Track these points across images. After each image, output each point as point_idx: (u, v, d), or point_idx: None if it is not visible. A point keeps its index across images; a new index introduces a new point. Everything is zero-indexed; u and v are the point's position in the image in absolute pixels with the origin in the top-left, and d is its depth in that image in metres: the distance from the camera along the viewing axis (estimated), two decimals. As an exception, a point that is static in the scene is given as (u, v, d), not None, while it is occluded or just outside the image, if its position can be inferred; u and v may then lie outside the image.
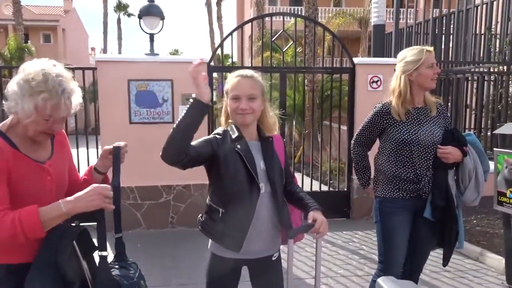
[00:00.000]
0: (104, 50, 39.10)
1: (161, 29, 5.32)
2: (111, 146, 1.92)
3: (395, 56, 2.83)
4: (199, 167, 5.25)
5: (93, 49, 47.12)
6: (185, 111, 1.81)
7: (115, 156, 1.90)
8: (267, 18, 5.96)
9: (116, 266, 1.80)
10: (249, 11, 27.84)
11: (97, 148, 5.52)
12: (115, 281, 1.68)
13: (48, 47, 32.07)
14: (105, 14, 37.37)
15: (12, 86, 1.55)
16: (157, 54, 5.24)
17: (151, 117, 5.25)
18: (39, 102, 1.52)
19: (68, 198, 1.54)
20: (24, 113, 1.54)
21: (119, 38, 42.41)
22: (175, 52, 45.33)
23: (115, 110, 5.17)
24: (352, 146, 2.77)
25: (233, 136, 1.94)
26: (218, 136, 1.98)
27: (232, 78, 1.97)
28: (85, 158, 5.50)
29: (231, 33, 5.39)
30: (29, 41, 27.34)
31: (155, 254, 4.59)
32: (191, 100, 1.82)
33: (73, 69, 5.73)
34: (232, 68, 5.62)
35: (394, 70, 2.58)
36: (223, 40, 5.40)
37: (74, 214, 1.54)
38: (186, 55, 5.71)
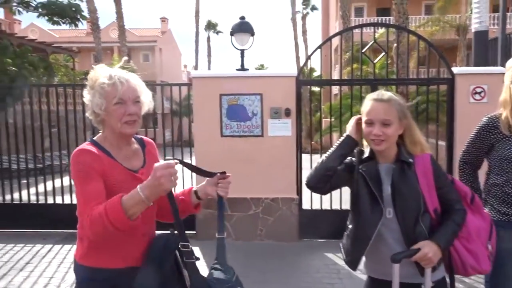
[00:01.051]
0: (196, 67, 41.43)
1: (251, 45, 5.46)
2: (217, 173, 1.93)
3: (501, 65, 2.56)
4: (285, 180, 5.21)
5: (185, 66, 50.32)
6: (336, 145, 1.94)
7: (220, 205, 1.90)
8: (356, 30, 5.83)
9: (216, 267, 1.82)
10: (335, 24, 27.55)
11: (190, 159, 5.79)
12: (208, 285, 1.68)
13: (146, 66, 34.96)
14: (197, 33, 39.63)
15: (85, 95, 1.69)
16: (247, 69, 5.39)
17: (241, 130, 5.39)
18: (104, 90, 1.61)
19: (143, 184, 1.51)
20: (98, 107, 1.63)
21: (209, 55, 44.77)
22: (261, 67, 46.46)
23: (207, 123, 5.40)
24: (459, 165, 2.53)
25: (364, 157, 1.95)
26: (354, 159, 2.00)
27: (367, 101, 1.91)
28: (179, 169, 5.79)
29: (319, 46, 5.36)
30: (131, 61, 29.96)
31: (244, 266, 4.64)
32: (344, 136, 1.94)
33: (170, 85, 6.15)
34: (321, 81, 5.57)
35: (503, 81, 2.32)
36: (311, 53, 5.39)
37: (152, 200, 1.50)
38: (275, 69, 5.81)
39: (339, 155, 1.91)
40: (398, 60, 7.76)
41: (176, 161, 1.54)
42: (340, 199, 5.52)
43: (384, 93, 1.89)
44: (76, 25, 17.43)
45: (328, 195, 5.60)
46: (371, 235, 1.84)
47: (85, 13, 17.66)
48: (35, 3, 15.63)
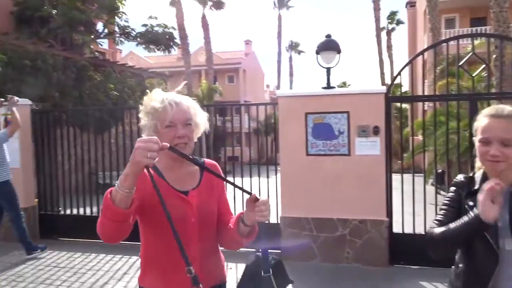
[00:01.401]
0: (278, 87, 42.10)
1: (338, 63, 5.38)
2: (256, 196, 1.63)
3: None
4: (374, 201, 4.93)
5: (267, 86, 51.41)
6: (463, 220, 1.61)
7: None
8: (451, 42, 5.45)
9: None
10: (423, 38, 26.22)
11: (272, 176, 5.81)
12: None
13: (231, 87, 36.42)
14: (279, 54, 40.43)
15: (141, 118, 1.72)
16: (334, 87, 5.31)
17: (327, 149, 5.28)
18: (156, 113, 1.64)
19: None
20: (151, 130, 1.66)
21: (291, 74, 45.36)
22: (343, 84, 45.81)
23: (293, 142, 5.39)
24: None
25: (473, 188, 1.70)
26: (460, 191, 1.75)
27: (482, 117, 1.70)
28: (257, 186, 5.87)
29: (411, 61, 5.13)
30: (216, 82, 31.42)
31: (331, 290, 4.48)
32: (473, 214, 1.56)
33: (256, 105, 6.29)
34: (413, 97, 5.28)
35: None
36: (402, 68, 5.14)
37: (131, 178, 1.37)
38: (361, 86, 5.62)
39: (465, 236, 1.63)
40: (500, 72, 7.11)
41: (166, 144, 1.41)
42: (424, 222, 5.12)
43: (503, 108, 1.68)
44: (169, 51, 18.85)
45: (421, 217, 5.27)
46: (490, 276, 1.60)
47: (177, 39, 19.07)
48: (134, 33, 17.22)
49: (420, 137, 8.99)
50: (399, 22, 38.04)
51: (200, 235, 1.67)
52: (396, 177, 5.41)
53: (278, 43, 40.48)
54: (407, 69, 5.18)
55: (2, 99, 5.58)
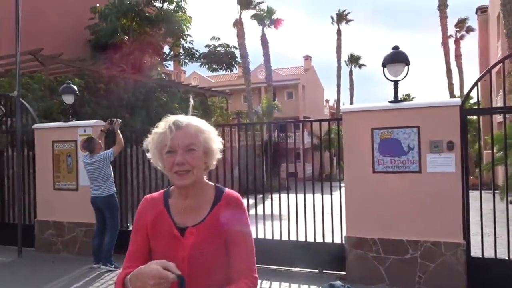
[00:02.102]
0: (337, 101, 41.44)
1: (406, 75, 5.14)
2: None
3: None
4: (448, 222, 4.59)
5: (327, 101, 50.80)
6: None
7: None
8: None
9: None
10: (496, 44, 24.60)
11: (337, 194, 5.63)
12: None
13: (290, 103, 36.47)
14: (338, 68, 39.85)
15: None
16: (402, 101, 5.07)
17: (396, 166, 5.02)
18: (158, 137, 1.49)
19: (134, 275, 1.36)
20: (155, 157, 1.53)
21: (351, 88, 44.43)
22: (407, 97, 44.06)
23: (358, 159, 5.20)
24: None
25: None
26: None
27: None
28: (320, 203, 5.72)
29: (490, 70, 4.75)
30: (276, 99, 31.63)
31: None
32: None
33: (320, 121, 6.18)
34: (491, 109, 4.90)
35: None
36: (479, 77, 4.78)
37: None
38: (433, 99, 5.25)
39: None
40: None
41: (174, 276, 1.29)
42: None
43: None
44: (231, 70, 19.37)
45: (505, 241, 4.79)
46: None
47: (238, 58, 19.55)
48: (198, 54, 17.91)
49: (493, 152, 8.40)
50: (469, 30, 36.05)
51: (190, 279, 1.42)
52: (471, 194, 5.01)
53: (338, 58, 39.89)
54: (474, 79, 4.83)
55: (108, 121, 6.32)
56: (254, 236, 6.06)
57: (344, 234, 5.37)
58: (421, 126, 4.91)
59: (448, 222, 4.81)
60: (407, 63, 5.07)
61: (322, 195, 5.76)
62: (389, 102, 5.15)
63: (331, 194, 5.74)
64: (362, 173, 5.18)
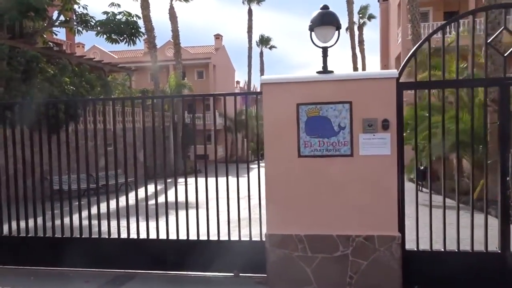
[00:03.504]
0: (248, 83, 41.03)
1: (337, 41, 4.35)
2: None
3: None
4: (383, 213, 3.74)
5: (238, 82, 50.20)
6: None
7: None
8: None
9: None
10: (396, 31, 25.85)
11: (248, 176, 4.73)
12: None
13: (200, 83, 35.00)
14: (249, 49, 39.28)
15: None
16: (332, 72, 4.26)
17: (325, 148, 4.24)
18: None
19: None
20: None
21: (261, 70, 44.24)
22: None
23: (281, 140, 4.31)
24: None
25: None
26: None
27: None
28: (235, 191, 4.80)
29: (424, 42, 4.14)
30: (185, 78, 29.99)
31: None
32: None
33: (234, 95, 5.16)
34: (430, 83, 4.31)
35: None
36: (415, 48, 4.14)
37: None
38: (368, 71, 4.68)
39: None
40: None
41: None
42: (457, 238, 4.19)
43: None
44: (134, 43, 17.30)
45: (440, 231, 4.31)
46: None
47: (142, 29, 17.56)
48: (93, 21, 15.66)
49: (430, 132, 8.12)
50: (370, 17, 37.78)
51: None
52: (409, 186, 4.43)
53: (249, 38, 39.26)
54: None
55: None
56: (155, 235, 4.92)
57: (264, 231, 4.49)
58: (354, 102, 4.16)
59: (382, 212, 4.17)
60: (338, 26, 4.26)
61: (238, 184, 4.79)
62: (317, 72, 4.32)
63: (249, 183, 4.81)
64: (286, 158, 4.32)
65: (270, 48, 45.80)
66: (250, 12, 38.65)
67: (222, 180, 4.80)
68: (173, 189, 5.07)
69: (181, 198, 4.94)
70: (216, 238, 4.84)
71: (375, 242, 4.18)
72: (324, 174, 4.25)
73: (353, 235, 4.21)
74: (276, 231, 4.36)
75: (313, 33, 4.30)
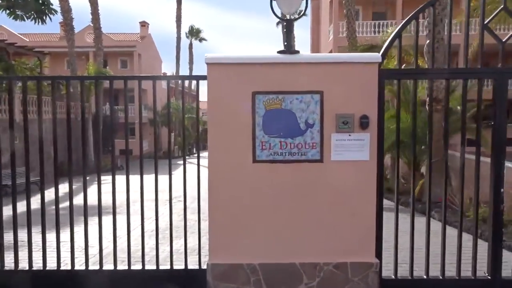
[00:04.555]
0: (176, 74, 39.13)
1: (304, 11, 3.39)
2: None
3: None
4: (357, 234, 2.54)
5: (164, 74, 47.88)
6: None
7: None
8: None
9: None
10: (328, 28, 25.96)
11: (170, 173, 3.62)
12: None
13: (124, 73, 32.44)
14: (178, 39, 37.48)
15: None
16: (298, 52, 3.28)
17: (287, 152, 3.26)
18: None
19: None
20: None
21: (190, 62, 42.52)
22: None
23: (231, 140, 3.26)
24: None
25: None
26: None
27: None
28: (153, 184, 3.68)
29: (415, 16, 3.33)
30: (107, 67, 27.55)
31: None
32: None
33: (168, 79, 3.97)
34: (417, 71, 3.50)
35: None
36: (401, 27, 3.30)
37: None
38: (343, 53, 3.97)
39: None
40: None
41: None
42: (442, 263, 3.45)
43: None
44: (43, 21, 14.92)
45: (422, 256, 3.46)
46: None
47: (55, 6, 15.26)
48: (-8, -8, 13.19)
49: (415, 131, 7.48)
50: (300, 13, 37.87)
51: None
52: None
53: (178, 28, 37.35)
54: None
55: None
56: (27, 266, 3.39)
57: (205, 260, 3.40)
58: (326, 92, 3.22)
59: (357, 233, 3.30)
60: (305, -8, 3.29)
61: (170, 190, 3.64)
62: (278, 52, 3.31)
63: (156, 174, 3.69)
64: (236, 163, 3.27)
65: (200, 40, 44.26)
66: (179, 0, 36.77)
67: (148, 179, 3.65)
68: (93, 190, 3.75)
69: (94, 201, 3.67)
70: (139, 265, 3.65)
71: (347, 271, 3.30)
72: (286, 185, 3.27)
73: (320, 262, 3.29)
74: (221, 259, 3.30)
75: (274, 1, 3.28)
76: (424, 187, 9.34)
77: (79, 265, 3.78)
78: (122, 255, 4.20)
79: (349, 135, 3.25)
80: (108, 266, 3.75)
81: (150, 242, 5.69)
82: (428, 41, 9.09)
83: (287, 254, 3.28)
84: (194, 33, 43.56)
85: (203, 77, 3.35)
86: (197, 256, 3.57)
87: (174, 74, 40.92)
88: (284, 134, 3.25)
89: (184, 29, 40.31)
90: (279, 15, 3.42)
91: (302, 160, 3.25)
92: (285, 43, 3.30)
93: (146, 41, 36.15)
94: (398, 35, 3.31)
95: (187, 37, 43.21)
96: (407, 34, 3.49)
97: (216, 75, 3.23)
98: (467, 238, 3.65)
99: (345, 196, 3.27)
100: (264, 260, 3.28)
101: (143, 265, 3.64)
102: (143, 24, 37.26)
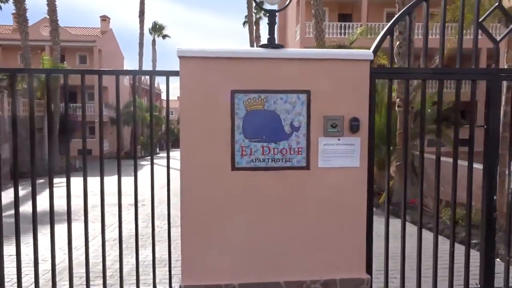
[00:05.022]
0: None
1: (287, 3, 3.06)
2: None
3: None
4: (347, 248, 2.16)
5: (127, 71, 46.20)
6: None
7: None
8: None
9: None
10: (295, 28, 25.89)
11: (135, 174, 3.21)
12: None
13: (83, 68, 31.01)
14: (141, 35, 36.39)
15: None
16: (281, 46, 2.94)
17: (271, 158, 2.91)
18: None
19: None
20: None
21: (154, 60, 41.40)
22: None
23: (206, 145, 2.87)
24: None
25: None
26: None
27: None
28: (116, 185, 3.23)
29: (407, 13, 3.07)
30: (65, 62, 26.20)
31: None
32: None
33: (134, 74, 3.52)
34: (411, 70, 3.24)
35: None
36: (394, 21, 3.03)
37: None
38: (333, 50, 3.57)
39: None
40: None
41: None
42: (433, 278, 3.23)
43: None
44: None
45: (412, 271, 3.12)
46: None
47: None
48: None
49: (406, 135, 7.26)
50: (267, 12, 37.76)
51: None
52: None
53: (140, 24, 36.22)
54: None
55: None
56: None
57: (176, 281, 3.00)
58: (313, 92, 2.91)
59: (347, 248, 3.01)
60: (290, -18, 2.96)
61: (136, 195, 3.21)
62: (260, 46, 2.96)
63: (119, 175, 3.26)
64: (213, 171, 2.89)
65: (163, 37, 43.19)
66: (142, -6, 35.64)
67: (109, 181, 3.22)
68: (47, 195, 3.25)
69: (46, 206, 3.18)
70: (99, 282, 3.20)
71: (336, 289, 3.00)
72: (269, 195, 2.92)
73: (307, 280, 2.97)
74: (196, 280, 2.91)
75: (256, -10, 2.93)
76: (394, 189, 9.32)
77: (28, 286, 3.28)
78: (80, 270, 3.73)
79: (338, 139, 2.94)
80: (62, 286, 3.27)
81: (112, 253, 5.22)
82: (398, 43, 9.09)
83: (270, 272, 2.94)
84: (158, 29, 42.46)
85: (174, 73, 2.95)
86: (167, 268, 3.16)
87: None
88: (267, 138, 2.90)
89: (148, 25, 39.24)
90: (263, 6, 3.05)
91: (287, 167, 2.92)
92: (269, 37, 2.95)
93: (107, 36, 34.75)
94: (390, 31, 3.04)
95: (150, 33, 42.10)
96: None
97: (190, 71, 2.83)
98: (442, 241, 3.47)
99: (333, 206, 2.96)
100: (245, 280, 2.92)
101: (104, 285, 3.19)
102: (104, 19, 35.80)
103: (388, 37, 3.05)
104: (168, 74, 3.09)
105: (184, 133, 2.86)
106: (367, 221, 3.03)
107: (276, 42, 2.94)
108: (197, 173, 2.88)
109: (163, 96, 37.82)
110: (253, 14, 32.11)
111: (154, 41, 42.03)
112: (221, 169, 2.87)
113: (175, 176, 2.92)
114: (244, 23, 35.63)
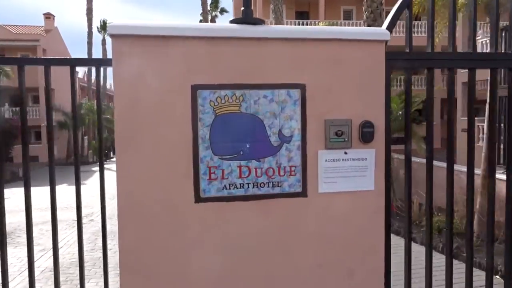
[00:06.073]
0: (88, 74, 35.98)
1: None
2: None
3: None
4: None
5: (76, 72, 43.69)
6: None
7: None
8: None
9: None
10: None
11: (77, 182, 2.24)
12: None
13: (26, 69, 28.58)
14: (89, 34, 34.40)
15: None
16: (262, 22, 2.05)
17: (252, 181, 2.01)
18: None
19: None
20: None
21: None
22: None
23: (156, 166, 1.93)
24: None
25: None
26: None
27: None
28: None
29: None
30: (3, 62, 23.97)
31: None
32: None
33: (72, 63, 2.50)
34: (435, 56, 2.42)
35: None
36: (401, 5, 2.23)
37: None
38: (332, 28, 2.74)
39: None
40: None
41: None
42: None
43: None
44: None
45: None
46: None
47: None
48: None
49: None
50: (223, 11, 36.95)
51: None
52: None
53: (89, 22, 34.14)
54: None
55: None
56: None
57: None
58: (309, 86, 2.04)
59: (359, 303, 2.17)
60: None
61: (79, 209, 2.32)
62: (232, 22, 2.06)
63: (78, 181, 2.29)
64: (167, 205, 1.95)
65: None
66: (89, -10, 33.61)
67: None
68: None
69: None
70: None
71: None
72: (251, 237, 2.02)
73: None
74: None
75: None
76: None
77: None
78: None
79: (345, 152, 2.10)
80: None
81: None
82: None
83: None
84: (107, 27, 40.42)
85: (106, 62, 1.97)
86: None
87: (86, 73, 37.60)
88: (245, 154, 2.00)
89: (96, 23, 37.17)
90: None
91: (275, 195, 2.03)
92: (243, 8, 2.04)
93: (52, 35, 32.45)
94: (408, 3, 2.23)
95: (99, 32, 40.09)
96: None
97: (128, 56, 1.87)
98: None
99: (340, 247, 2.12)
100: None
101: None
102: (48, 16, 33.40)
103: (405, 10, 2.23)
104: (98, 63, 2.11)
105: (120, 147, 1.90)
106: (385, 262, 2.20)
107: (254, 17, 2.04)
108: (141, 209, 1.93)
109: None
110: (208, 12, 31.08)
111: (103, 40, 39.95)
112: (179, 202, 1.94)
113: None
114: (200, 21, 34.48)
